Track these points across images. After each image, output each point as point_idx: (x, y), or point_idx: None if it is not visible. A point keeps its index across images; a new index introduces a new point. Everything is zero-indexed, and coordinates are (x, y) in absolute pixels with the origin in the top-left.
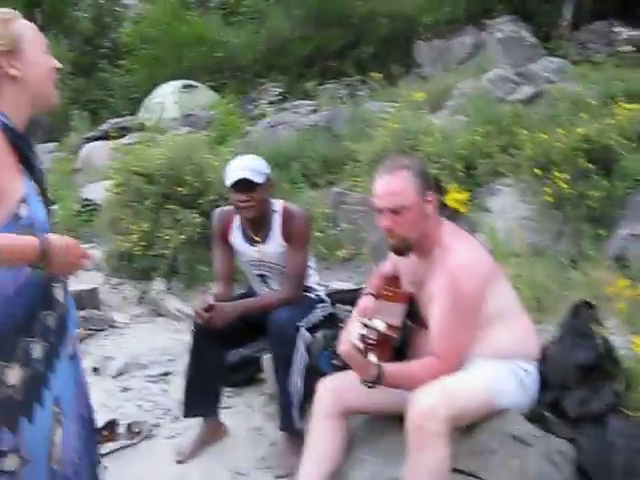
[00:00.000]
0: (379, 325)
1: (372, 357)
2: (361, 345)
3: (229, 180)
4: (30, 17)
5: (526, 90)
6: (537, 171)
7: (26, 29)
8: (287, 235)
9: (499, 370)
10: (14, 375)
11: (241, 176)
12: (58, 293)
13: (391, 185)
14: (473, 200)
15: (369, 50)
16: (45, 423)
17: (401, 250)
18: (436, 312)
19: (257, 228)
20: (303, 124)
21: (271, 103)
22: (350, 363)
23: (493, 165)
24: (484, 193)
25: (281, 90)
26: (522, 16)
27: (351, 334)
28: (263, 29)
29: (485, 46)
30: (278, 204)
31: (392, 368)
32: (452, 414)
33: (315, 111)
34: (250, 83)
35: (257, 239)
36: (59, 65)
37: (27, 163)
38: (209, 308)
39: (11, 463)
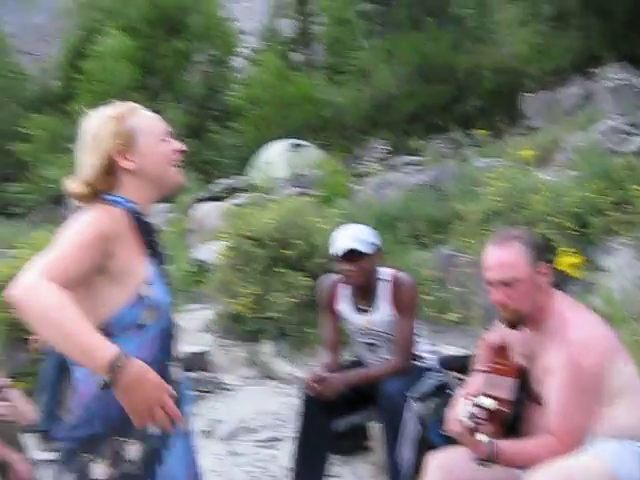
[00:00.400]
0: (489, 404)
1: (481, 436)
2: (471, 424)
3: (336, 250)
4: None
5: (639, 141)
6: None
7: (142, 121)
8: (396, 303)
9: (620, 452)
10: (133, 451)
11: (349, 247)
12: (174, 372)
13: (502, 257)
14: (586, 260)
15: (474, 104)
16: None
17: (515, 323)
18: (554, 388)
19: (365, 297)
20: (409, 183)
21: (377, 160)
22: (461, 441)
23: (606, 222)
24: (598, 252)
25: (386, 147)
26: (631, 62)
27: (460, 412)
28: (368, 87)
29: (594, 96)
30: (386, 272)
31: (507, 445)
32: None
33: (421, 169)
34: (356, 141)
35: (364, 308)
36: (181, 147)
37: (151, 248)
38: (319, 380)
39: None
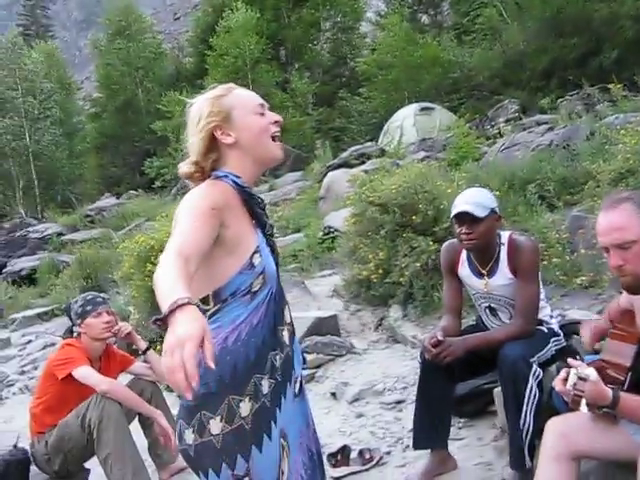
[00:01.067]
0: (591, 375)
1: (583, 407)
2: (571, 394)
3: (453, 212)
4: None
5: None
6: None
7: (236, 98)
8: (514, 267)
9: None
10: (246, 407)
11: (463, 209)
12: (285, 335)
13: (613, 220)
14: None
15: (612, 56)
16: (273, 454)
17: (635, 288)
18: None
19: (484, 260)
20: (539, 143)
21: (508, 120)
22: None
23: None
24: None
25: (518, 107)
26: None
27: (568, 381)
28: (497, 45)
29: None
30: (505, 236)
31: (630, 397)
32: None
33: (551, 129)
34: (487, 101)
35: (483, 272)
36: (278, 118)
37: (257, 219)
38: (438, 343)
39: None
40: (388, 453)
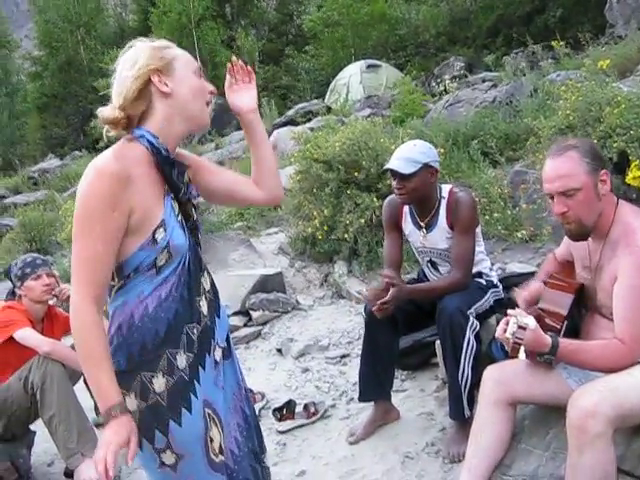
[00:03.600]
0: (530, 323)
1: (522, 354)
2: (510, 341)
3: (390, 165)
4: (220, 12)
5: None
6: None
7: (179, 53)
8: (452, 221)
9: None
10: (159, 383)
11: (389, 167)
12: (202, 305)
13: (560, 168)
14: None
15: (556, 14)
16: (195, 426)
17: (578, 235)
18: (621, 294)
19: (424, 214)
20: (483, 100)
21: (454, 78)
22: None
23: None
24: None
25: (464, 64)
26: None
27: (508, 330)
28: (444, 2)
29: None
30: (445, 189)
31: (568, 342)
32: (617, 414)
33: (495, 86)
34: (433, 58)
35: (423, 225)
36: (212, 88)
37: (170, 184)
38: (387, 287)
39: (168, 458)
40: (333, 406)
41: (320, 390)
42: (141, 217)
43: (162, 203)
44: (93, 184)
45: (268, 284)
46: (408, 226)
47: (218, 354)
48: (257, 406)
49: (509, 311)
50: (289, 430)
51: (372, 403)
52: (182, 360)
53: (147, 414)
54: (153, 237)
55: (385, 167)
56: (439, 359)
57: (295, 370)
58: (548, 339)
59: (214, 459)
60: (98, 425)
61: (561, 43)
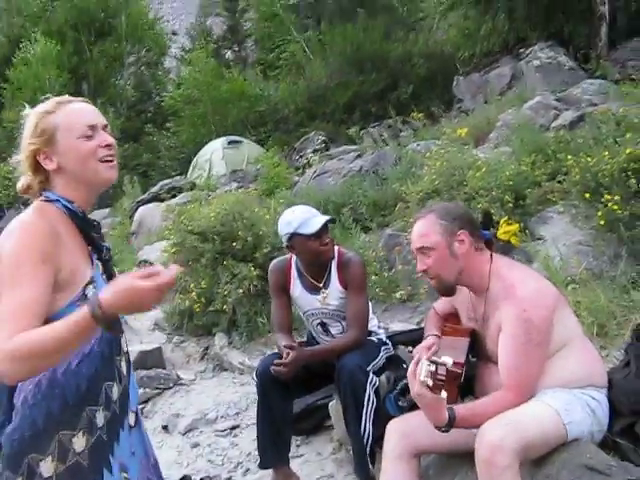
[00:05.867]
0: (447, 360)
1: (443, 393)
2: (430, 382)
3: (313, 227)
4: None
5: (568, 115)
6: (587, 195)
7: (64, 118)
8: (344, 280)
9: (568, 400)
10: (80, 442)
11: (325, 219)
12: (122, 365)
13: (418, 228)
14: (525, 230)
15: (408, 90)
16: None
17: (443, 290)
18: (505, 344)
19: (319, 275)
20: (349, 170)
21: (315, 151)
22: (421, 406)
23: (542, 193)
24: (536, 222)
25: (324, 138)
26: (558, 41)
27: (419, 374)
28: (302, 80)
29: (523, 75)
30: (335, 250)
31: (463, 409)
32: (521, 446)
33: (360, 156)
34: (293, 133)
35: (319, 285)
36: (109, 141)
37: (93, 245)
38: (291, 347)
39: None
40: (229, 479)
41: (214, 464)
42: (69, 274)
43: (90, 261)
44: (22, 239)
45: (147, 360)
46: (297, 289)
47: (132, 419)
48: None
49: (418, 349)
50: None
51: (271, 471)
52: (101, 418)
53: (66, 477)
54: (83, 292)
55: (323, 221)
56: (334, 421)
57: (184, 446)
58: (445, 415)
59: None
60: None
61: (419, 115)
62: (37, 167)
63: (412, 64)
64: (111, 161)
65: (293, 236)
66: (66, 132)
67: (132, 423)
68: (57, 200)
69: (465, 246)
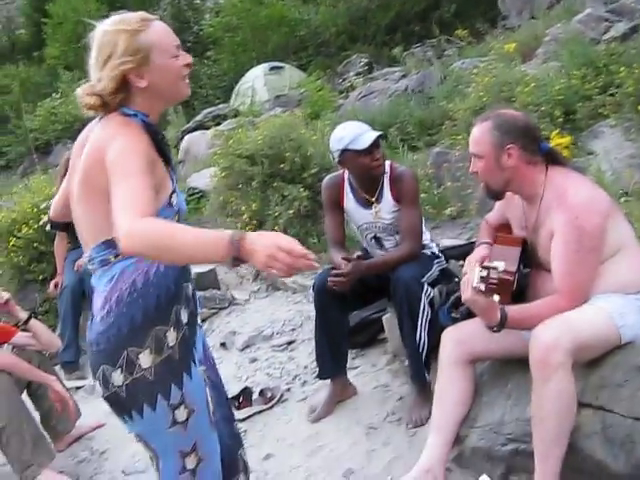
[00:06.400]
0: (499, 265)
1: (495, 297)
2: (482, 287)
3: (363, 143)
4: None
5: (621, 27)
6: None
7: (155, 37)
8: (397, 194)
9: (622, 304)
10: (172, 337)
11: (376, 135)
12: (189, 267)
13: (475, 133)
14: (576, 144)
15: (451, 9)
16: (199, 380)
17: (490, 194)
18: (558, 250)
19: (371, 189)
20: (395, 90)
21: (358, 74)
22: (475, 310)
23: (593, 107)
24: (586, 137)
25: (367, 60)
26: None
27: (471, 280)
28: (342, 2)
29: None
30: (386, 164)
31: (515, 309)
32: (575, 347)
33: (405, 76)
34: (335, 57)
35: (372, 199)
36: (190, 60)
37: (165, 157)
38: (348, 260)
39: (181, 414)
40: (288, 390)
41: (272, 377)
42: (159, 182)
43: (169, 173)
44: (129, 140)
45: (202, 282)
46: (350, 204)
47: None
48: None
49: (471, 259)
50: (248, 417)
51: (328, 382)
52: (185, 315)
53: (162, 368)
54: (170, 200)
55: (374, 136)
56: (387, 333)
57: (243, 361)
58: (497, 315)
59: (212, 417)
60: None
61: (463, 33)
62: (121, 86)
63: None
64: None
65: (344, 152)
66: (160, 52)
67: (200, 323)
68: (135, 115)
69: (513, 160)
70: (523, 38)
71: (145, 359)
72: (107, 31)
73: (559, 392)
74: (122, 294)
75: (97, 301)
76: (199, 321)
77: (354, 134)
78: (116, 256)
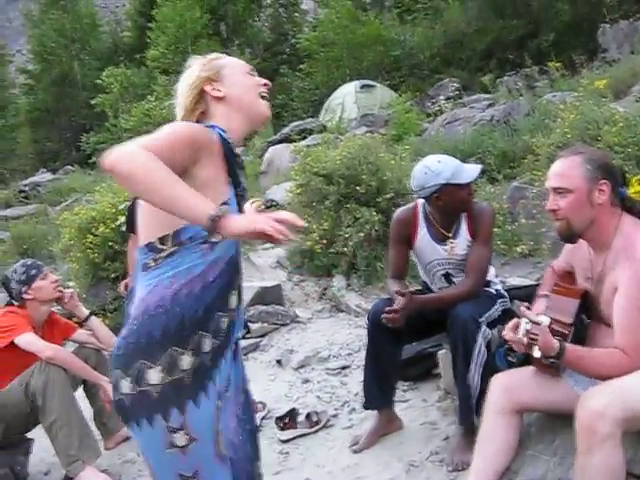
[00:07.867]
0: (544, 320)
1: (536, 352)
2: (525, 340)
3: (466, 177)
4: (216, 30)
5: None
6: None
7: (227, 61)
8: (474, 230)
9: None
10: (187, 361)
11: (479, 168)
12: (233, 300)
13: (560, 167)
14: None
15: (549, 38)
16: (209, 411)
17: (566, 235)
18: (621, 305)
19: (449, 224)
20: (480, 119)
21: (448, 99)
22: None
23: None
24: None
25: (458, 85)
26: None
27: (519, 331)
28: (439, 25)
29: None
30: None
31: (576, 347)
32: (626, 416)
33: (492, 105)
34: (427, 80)
35: (448, 235)
36: (265, 81)
37: (233, 177)
38: (402, 294)
39: (180, 439)
40: (335, 416)
41: (321, 400)
42: (208, 180)
43: (228, 186)
44: (189, 125)
45: (267, 296)
46: (424, 240)
47: (234, 349)
48: (259, 415)
49: (522, 310)
50: (291, 439)
51: (375, 413)
52: (208, 344)
53: (168, 390)
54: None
55: (478, 171)
56: (441, 369)
57: (295, 381)
58: (556, 343)
59: (221, 450)
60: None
61: (557, 64)
62: (199, 99)
63: (556, 10)
64: (268, 99)
65: (445, 186)
66: (232, 69)
67: (232, 355)
68: (212, 126)
69: (604, 197)
70: (620, 73)
71: (155, 375)
72: (190, 67)
73: (606, 465)
74: (150, 306)
75: (131, 306)
76: (229, 357)
77: (454, 167)
78: (155, 260)
